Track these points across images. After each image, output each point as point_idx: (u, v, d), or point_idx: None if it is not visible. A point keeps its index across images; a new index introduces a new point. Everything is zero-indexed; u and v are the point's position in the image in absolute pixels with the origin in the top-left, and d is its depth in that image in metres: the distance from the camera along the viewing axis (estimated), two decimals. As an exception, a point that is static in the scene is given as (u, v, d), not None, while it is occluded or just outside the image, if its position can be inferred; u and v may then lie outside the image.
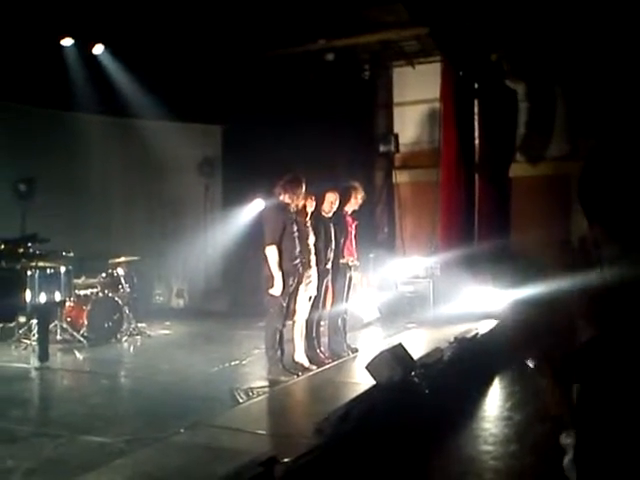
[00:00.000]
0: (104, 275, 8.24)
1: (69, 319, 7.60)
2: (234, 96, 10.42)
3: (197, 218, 11.39)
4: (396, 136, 11.65)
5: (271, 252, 5.78)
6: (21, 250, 6.69)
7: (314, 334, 6.55)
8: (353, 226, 7.09)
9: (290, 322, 6.24)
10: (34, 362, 6.47)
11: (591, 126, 9.46)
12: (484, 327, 8.05)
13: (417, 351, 6.21)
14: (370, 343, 7.54)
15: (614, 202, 1.38)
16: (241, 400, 5.18)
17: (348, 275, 6.94)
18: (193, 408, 4.95)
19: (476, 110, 10.31)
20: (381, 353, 5.19)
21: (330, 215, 6.62)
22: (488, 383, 6.45)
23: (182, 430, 4.31)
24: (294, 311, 6.18)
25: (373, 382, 5.04)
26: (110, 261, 8.34)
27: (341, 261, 6.80)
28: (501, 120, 10.53)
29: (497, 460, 4.34)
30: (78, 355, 7.04)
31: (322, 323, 6.83)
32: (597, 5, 8.53)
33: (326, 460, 3.82)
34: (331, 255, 6.54)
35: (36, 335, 6.70)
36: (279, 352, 5.91)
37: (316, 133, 10.32)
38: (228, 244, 10.40)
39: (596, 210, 1.43)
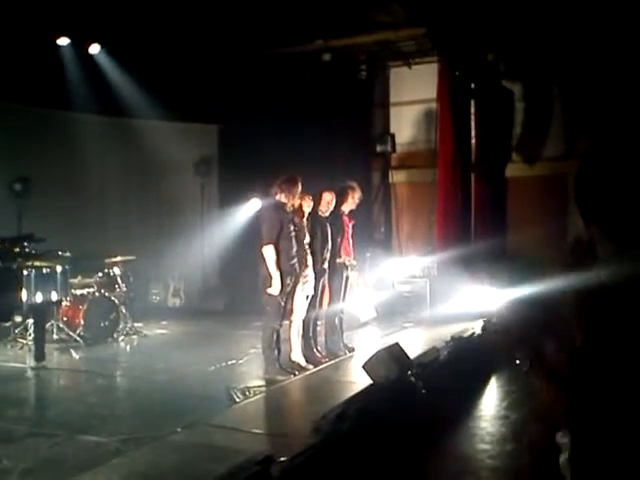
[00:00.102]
0: (100, 274, 8.23)
1: (65, 318, 7.59)
2: (231, 96, 10.42)
3: (194, 217, 11.38)
4: (393, 136, 11.66)
5: (268, 252, 5.78)
6: (17, 249, 6.66)
7: (311, 333, 6.56)
8: (350, 226, 7.10)
9: (287, 322, 6.24)
10: (30, 362, 6.46)
11: (587, 126, 9.48)
12: (480, 327, 8.05)
13: (414, 350, 6.22)
14: (367, 342, 7.54)
15: (610, 201, 1.38)
16: (238, 399, 5.18)
17: (345, 275, 6.95)
18: (189, 407, 4.95)
19: (472, 110, 10.32)
20: (378, 352, 5.20)
21: (327, 215, 6.63)
22: (485, 382, 6.46)
23: (179, 429, 4.31)
24: (291, 310, 6.18)
25: (370, 381, 5.04)
26: (106, 260, 8.32)
27: (338, 261, 6.80)
28: (497, 120, 10.55)
29: (494, 459, 4.35)
30: (74, 354, 7.03)
31: (319, 322, 6.83)
32: (593, 5, 8.54)
33: (323, 459, 3.82)
34: (328, 255, 6.55)
35: (32, 335, 6.68)
36: (276, 351, 5.91)
37: (313, 133, 10.33)
38: (225, 243, 10.40)
39: (592, 209, 1.43)
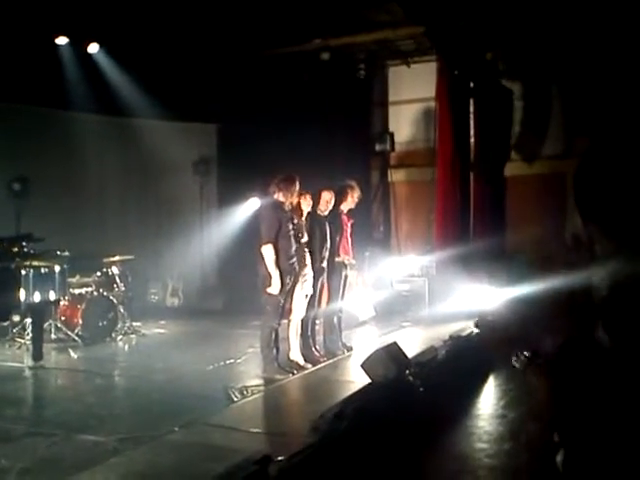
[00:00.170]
0: (99, 274, 8.23)
1: (64, 318, 7.58)
2: (230, 95, 10.41)
3: (192, 217, 11.38)
4: (392, 135, 11.66)
5: (267, 251, 5.78)
6: (15, 249, 6.66)
7: (309, 332, 6.56)
8: (349, 225, 7.10)
9: (286, 321, 6.24)
10: (28, 361, 6.45)
11: (586, 125, 9.48)
12: (473, 323, 8.04)
13: (412, 349, 6.21)
14: (365, 341, 7.54)
15: (609, 200, 1.38)
16: (236, 399, 5.18)
17: (344, 274, 6.94)
18: (188, 407, 4.95)
19: (471, 109, 10.32)
20: (376, 351, 5.20)
21: (326, 214, 6.62)
22: (483, 381, 6.45)
23: (176, 429, 4.31)
24: (290, 310, 6.17)
25: (368, 380, 5.04)
26: (105, 260, 8.32)
27: (337, 260, 6.80)
28: (496, 119, 10.56)
29: (491, 458, 4.34)
30: (72, 354, 7.02)
31: (317, 321, 6.83)
32: (592, 4, 8.54)
33: (321, 458, 3.82)
34: (326, 254, 6.54)
35: (30, 334, 6.68)
36: (274, 351, 5.91)
37: (312, 132, 10.32)
38: (223, 243, 10.40)
39: (591, 208, 1.43)
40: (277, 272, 5.76)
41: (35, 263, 6.62)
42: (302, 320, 6.37)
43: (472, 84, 10.30)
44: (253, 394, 5.31)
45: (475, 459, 4.37)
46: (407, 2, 9.05)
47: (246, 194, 9.56)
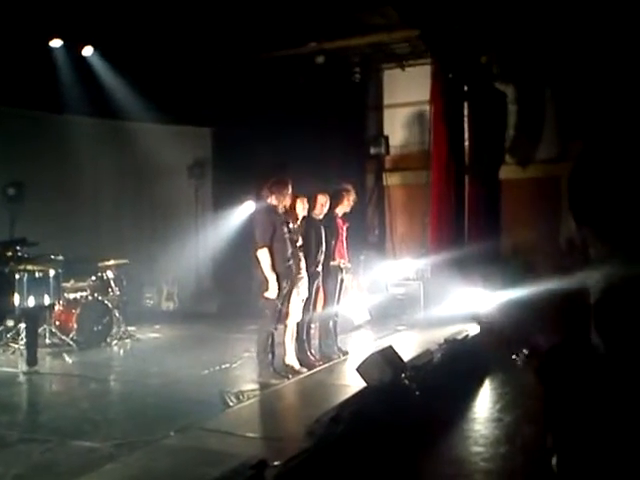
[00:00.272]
0: (93, 278, 8.19)
1: (58, 323, 7.55)
2: (224, 98, 10.41)
3: (187, 221, 11.36)
4: (386, 138, 11.68)
5: (263, 255, 5.77)
6: (9, 253, 6.64)
7: (305, 337, 6.54)
8: (344, 228, 7.10)
9: (282, 325, 6.22)
10: (22, 366, 6.42)
11: (580, 129, 9.52)
12: (474, 329, 8.06)
13: (407, 353, 6.22)
14: (361, 345, 7.53)
15: (603, 204, 1.39)
16: (231, 403, 5.16)
17: (339, 277, 6.94)
18: (183, 411, 4.93)
19: (466, 112, 10.34)
20: (372, 355, 5.19)
21: (321, 217, 6.62)
22: (478, 384, 6.46)
23: (172, 434, 4.29)
24: (287, 314, 6.16)
25: (364, 384, 5.04)
26: (100, 264, 8.29)
27: (332, 263, 6.79)
28: (491, 122, 10.58)
29: (487, 461, 4.35)
30: (67, 359, 6.99)
31: (313, 326, 6.82)
32: (586, 8, 8.58)
33: (317, 463, 3.82)
34: (322, 257, 6.54)
35: (24, 339, 6.64)
36: (270, 355, 5.89)
37: (307, 135, 10.33)
38: (218, 246, 10.38)
39: (585, 212, 1.43)
40: (274, 276, 5.75)
41: (29, 267, 6.59)
42: (297, 324, 6.36)
43: (466, 87, 10.33)
44: (249, 399, 5.29)
45: (471, 463, 4.38)
46: (402, 5, 9.07)
47: (241, 197, 9.56)
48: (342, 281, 7.03)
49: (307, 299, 6.36)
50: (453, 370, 6.27)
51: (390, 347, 5.55)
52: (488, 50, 10.54)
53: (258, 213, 6.20)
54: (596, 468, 1.32)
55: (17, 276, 6.31)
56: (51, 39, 9.17)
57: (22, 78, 8.66)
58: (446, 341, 7.01)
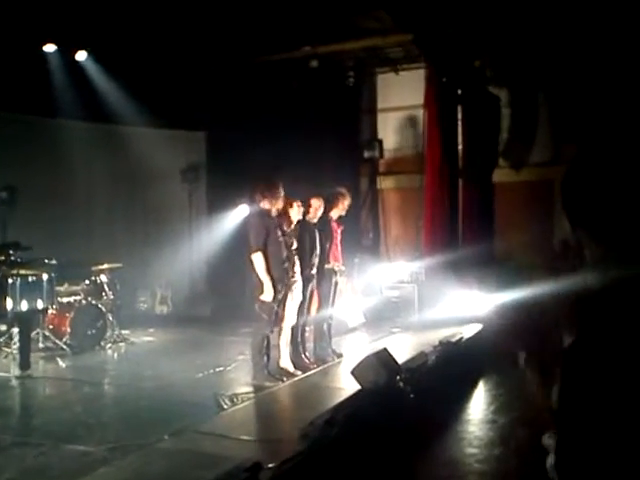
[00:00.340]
0: (87, 282, 8.17)
1: (52, 327, 7.51)
2: (218, 102, 10.41)
3: (181, 225, 11.34)
4: (380, 142, 11.70)
5: (257, 258, 5.78)
6: (2, 258, 6.62)
7: (299, 339, 6.55)
8: (339, 231, 7.11)
9: (277, 328, 6.22)
10: (15, 370, 6.39)
11: (573, 132, 9.57)
12: (469, 331, 8.08)
13: (402, 355, 6.22)
14: (355, 348, 7.53)
15: (597, 205, 1.40)
16: (226, 406, 5.16)
17: (334, 280, 6.95)
18: (177, 415, 4.92)
19: (459, 116, 10.38)
20: (366, 358, 5.19)
21: (315, 221, 6.63)
22: (473, 387, 6.47)
23: (166, 437, 4.29)
24: (283, 317, 6.16)
25: (358, 387, 5.04)
26: (93, 268, 8.27)
27: (326, 266, 6.80)
28: (484, 126, 10.62)
29: (482, 463, 4.35)
30: (61, 363, 6.96)
31: (307, 328, 6.82)
32: (579, 13, 8.63)
33: (311, 465, 3.81)
34: (316, 260, 6.54)
35: (17, 343, 6.61)
36: (265, 358, 5.89)
37: (301, 139, 10.34)
38: (212, 250, 10.37)
39: (579, 213, 1.44)
40: (269, 279, 5.76)
41: (22, 271, 6.57)
42: (292, 327, 6.36)
43: (460, 91, 10.36)
44: (243, 401, 5.28)
45: (465, 464, 4.38)
46: (396, 10, 9.10)
47: (235, 201, 9.55)
48: (336, 284, 7.04)
49: (301, 302, 6.36)
50: (447, 372, 6.28)
51: (384, 350, 5.55)
52: (481, 54, 10.59)
53: (251, 217, 6.20)
54: (601, 469, 1.33)
55: (10, 280, 6.29)
56: (45, 43, 9.15)
57: (15, 82, 8.64)
58: (440, 343, 7.01)
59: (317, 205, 6.62)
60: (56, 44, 9.23)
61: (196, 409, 5.09)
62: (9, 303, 6.22)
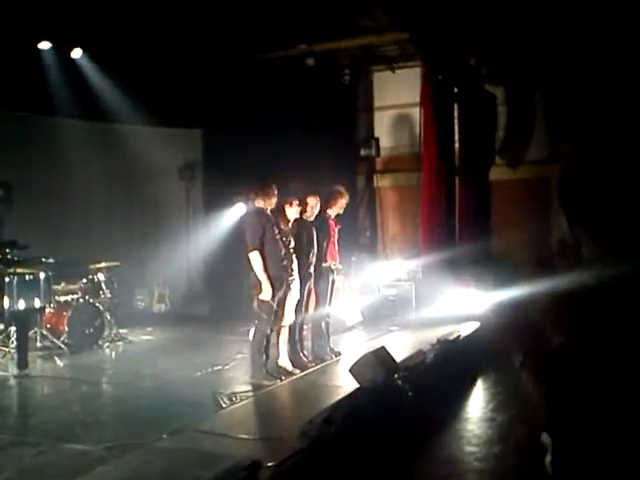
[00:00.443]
0: (84, 281, 8.15)
1: (49, 326, 7.50)
2: (215, 100, 10.40)
3: (178, 223, 11.33)
4: (377, 140, 11.70)
5: (255, 257, 5.78)
6: (-1, 256, 6.60)
7: (297, 338, 6.54)
8: (336, 230, 7.10)
9: (277, 327, 6.21)
10: (13, 370, 6.38)
11: (570, 130, 9.58)
12: (466, 329, 8.10)
13: (400, 354, 6.22)
14: (353, 346, 7.54)
15: (595, 203, 1.40)
16: (224, 405, 5.15)
17: (331, 279, 6.94)
18: (176, 413, 4.91)
19: (456, 114, 10.39)
20: (364, 356, 5.20)
21: (312, 219, 6.63)
22: (471, 385, 6.48)
23: (165, 436, 4.28)
24: (282, 315, 6.16)
25: (356, 385, 5.04)
26: (91, 267, 8.25)
27: (324, 265, 6.80)
28: (481, 124, 10.63)
29: (480, 461, 4.36)
30: (58, 362, 6.94)
31: (305, 327, 6.82)
32: (575, 10, 8.64)
33: (310, 463, 3.82)
34: (313, 259, 6.54)
35: (15, 342, 6.60)
36: (264, 357, 5.90)
37: (297, 137, 10.34)
38: (210, 249, 10.36)
39: (577, 211, 1.44)
40: (266, 277, 5.76)
41: (19, 270, 6.56)
42: (290, 326, 6.36)
43: (456, 89, 10.37)
44: (242, 400, 5.28)
45: (464, 462, 4.39)
46: (392, 8, 9.10)
47: (232, 199, 9.54)
48: (333, 282, 7.03)
49: (299, 301, 6.36)
50: (446, 370, 6.29)
51: (383, 348, 5.55)
52: (477, 52, 10.60)
53: (247, 216, 6.21)
54: (595, 468, 1.33)
55: (7, 279, 6.28)
56: (40, 41, 9.12)
57: (11, 80, 8.60)
58: (438, 341, 7.03)
59: (314, 203, 6.62)
60: (51, 42, 9.20)
61: (195, 408, 5.08)
62: (6, 302, 6.21)
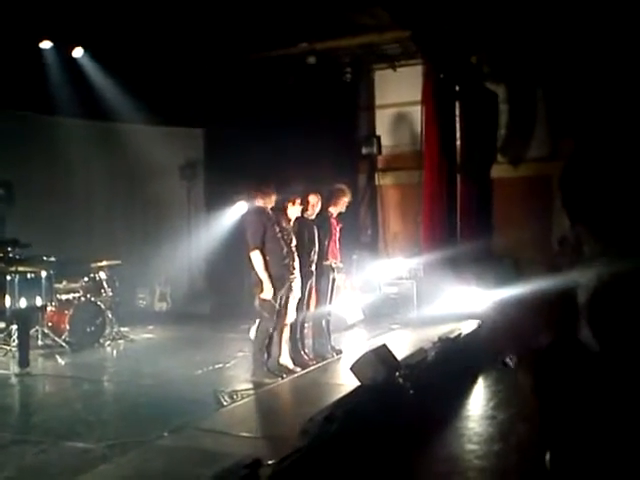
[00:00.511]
0: (86, 279, 8.16)
1: (51, 324, 7.51)
2: (216, 99, 10.40)
3: (180, 221, 11.34)
4: (378, 138, 11.69)
5: (256, 256, 5.78)
6: (0, 255, 6.60)
7: (298, 336, 6.55)
8: (338, 228, 7.10)
9: (280, 325, 6.22)
10: (14, 368, 6.39)
11: (571, 128, 9.56)
12: (467, 327, 8.09)
13: (401, 352, 6.22)
14: (354, 344, 7.54)
15: (596, 201, 1.40)
16: (225, 403, 5.16)
17: (332, 277, 6.94)
18: (177, 411, 4.92)
19: (457, 112, 10.38)
20: (365, 354, 5.20)
21: (313, 217, 6.63)
22: (472, 383, 6.48)
23: (166, 434, 4.29)
24: (285, 314, 6.16)
25: (357, 383, 5.04)
26: (92, 265, 8.26)
27: (325, 263, 6.80)
28: (482, 122, 10.62)
29: (481, 459, 4.36)
30: (60, 360, 6.96)
31: (306, 325, 6.82)
32: (576, 8, 8.63)
33: (311, 461, 3.82)
34: (315, 257, 6.55)
35: (16, 341, 6.61)
36: (266, 355, 5.91)
37: (298, 136, 10.33)
38: (211, 247, 10.37)
39: (578, 209, 1.44)
40: (268, 277, 5.76)
41: (21, 269, 6.57)
42: (291, 324, 6.36)
43: (458, 87, 10.36)
44: (243, 398, 5.29)
45: (465, 460, 4.39)
46: (393, 6, 9.08)
47: (233, 198, 9.54)
48: (334, 280, 7.03)
49: (300, 299, 6.37)
50: (447, 368, 6.29)
51: (384, 346, 5.55)
52: (479, 50, 10.58)
53: (248, 214, 6.22)
54: (589, 465, 1.33)
55: (8, 277, 6.28)
56: (41, 40, 9.12)
57: (12, 79, 8.61)
58: (440, 340, 7.02)
59: (315, 201, 6.61)
60: (52, 41, 9.19)
61: (196, 406, 5.09)
62: (8, 300, 6.22)
